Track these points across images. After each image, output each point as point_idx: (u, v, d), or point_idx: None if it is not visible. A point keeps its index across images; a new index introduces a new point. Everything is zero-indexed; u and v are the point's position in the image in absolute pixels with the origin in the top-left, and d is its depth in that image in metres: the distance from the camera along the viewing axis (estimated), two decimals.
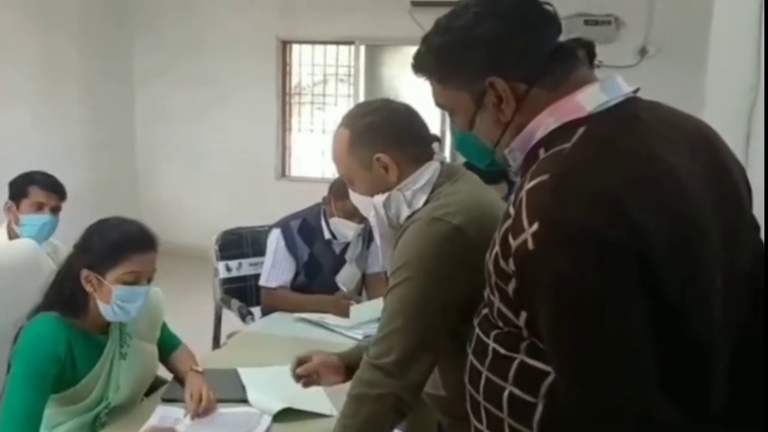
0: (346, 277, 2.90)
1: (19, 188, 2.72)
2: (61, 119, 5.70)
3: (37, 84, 5.46)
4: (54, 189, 2.72)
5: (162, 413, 1.85)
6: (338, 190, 2.81)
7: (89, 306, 1.82)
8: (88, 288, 1.79)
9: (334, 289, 2.88)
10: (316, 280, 2.88)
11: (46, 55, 5.52)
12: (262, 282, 2.91)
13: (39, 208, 2.69)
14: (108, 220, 1.88)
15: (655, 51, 5.14)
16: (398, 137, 1.51)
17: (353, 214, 2.81)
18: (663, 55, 5.11)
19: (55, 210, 2.72)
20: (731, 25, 2.32)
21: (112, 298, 1.77)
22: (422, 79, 1.21)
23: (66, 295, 1.80)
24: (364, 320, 2.51)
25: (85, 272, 1.78)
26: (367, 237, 2.93)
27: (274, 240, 2.88)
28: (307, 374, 1.73)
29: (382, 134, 1.51)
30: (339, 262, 2.93)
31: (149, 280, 1.85)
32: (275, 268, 2.86)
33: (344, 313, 2.61)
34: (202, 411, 1.82)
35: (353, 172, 1.55)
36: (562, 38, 1.11)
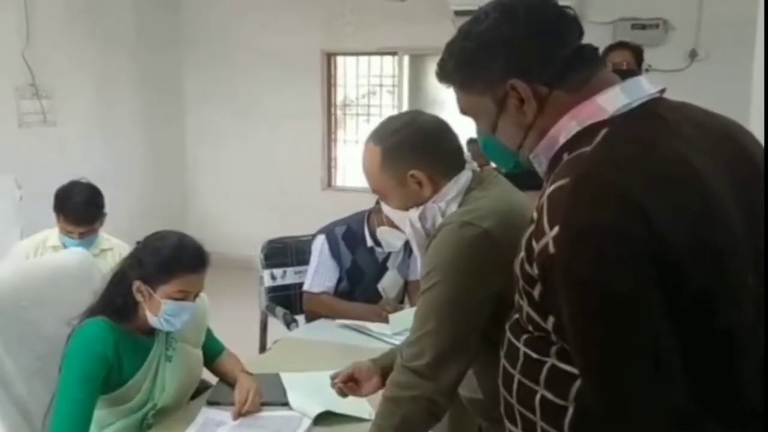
0: (389, 284, 2.92)
1: (56, 204, 2.79)
2: (115, 138, 5.90)
3: (92, 105, 5.66)
4: (77, 222, 2.75)
5: (206, 415, 1.90)
6: None
7: (138, 313, 1.89)
8: (139, 298, 1.87)
9: (376, 296, 2.90)
10: (358, 287, 2.91)
11: (100, 77, 5.73)
12: (306, 287, 2.94)
13: (67, 233, 2.77)
14: (165, 236, 1.93)
15: (705, 54, 5.04)
16: (430, 152, 1.51)
17: None
18: (713, 58, 5.02)
19: (84, 235, 2.76)
20: None
21: (160, 312, 1.85)
22: (446, 86, 1.22)
23: (117, 301, 1.88)
24: (403, 327, 2.50)
25: (137, 284, 1.86)
26: (410, 245, 2.93)
27: (319, 246, 2.91)
28: (344, 381, 1.75)
29: (414, 151, 1.50)
30: (381, 269, 2.95)
31: (196, 296, 1.92)
32: (319, 273, 2.89)
33: (384, 322, 2.63)
34: (246, 411, 1.87)
35: (387, 188, 1.55)
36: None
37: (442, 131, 1.56)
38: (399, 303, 2.99)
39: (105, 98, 5.79)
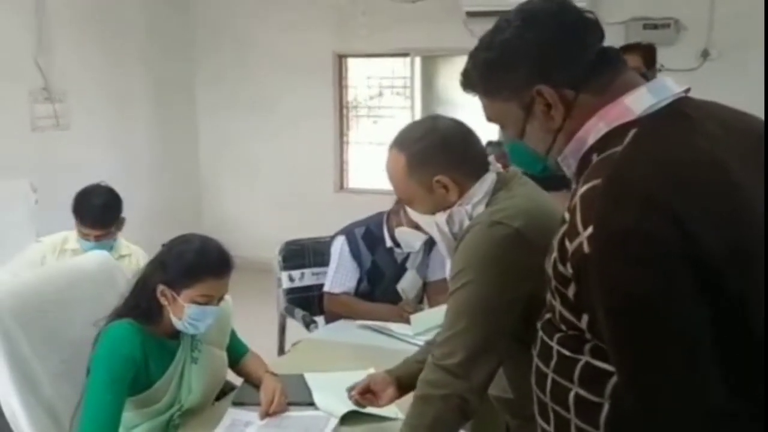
0: (408, 284, 2.93)
1: (74, 206, 2.80)
2: (128, 141, 5.93)
3: (104, 108, 5.69)
4: (93, 225, 2.76)
5: (233, 416, 1.92)
6: None
7: (163, 315, 1.91)
8: (163, 301, 1.88)
9: (396, 297, 2.91)
10: (378, 287, 2.92)
11: (112, 81, 5.75)
12: (326, 288, 2.95)
13: (84, 236, 2.78)
14: (189, 240, 1.94)
15: (717, 54, 5.04)
16: (454, 157, 1.52)
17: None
18: (726, 57, 5.02)
19: (100, 238, 2.77)
20: None
21: (184, 316, 1.86)
22: (471, 95, 1.24)
23: (142, 305, 1.89)
24: (425, 328, 2.53)
25: (161, 287, 1.87)
26: (428, 245, 2.95)
27: (339, 246, 2.92)
28: (361, 393, 1.78)
29: (438, 156, 1.51)
30: (400, 270, 2.96)
31: (220, 299, 1.93)
32: (339, 273, 2.90)
33: (405, 323, 2.63)
34: (272, 411, 1.88)
35: (413, 194, 1.57)
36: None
37: (464, 134, 1.58)
38: (418, 303, 3.00)
39: (117, 102, 5.82)
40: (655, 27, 5.07)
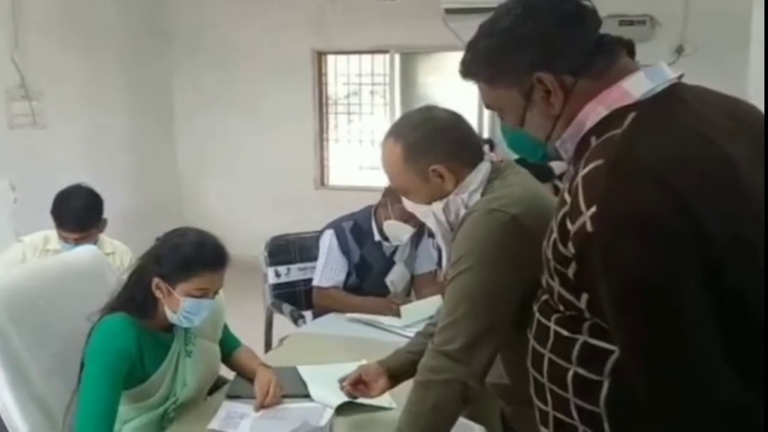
0: (396, 278, 2.95)
1: (53, 208, 2.73)
2: (105, 140, 5.89)
3: (82, 106, 5.65)
4: (72, 230, 2.68)
5: (228, 409, 1.92)
6: (395, 193, 2.86)
7: (158, 309, 1.90)
8: (158, 294, 1.88)
9: (385, 290, 2.93)
10: (367, 281, 2.94)
11: (89, 79, 5.71)
12: (315, 282, 2.96)
13: (64, 239, 2.71)
14: (185, 234, 1.94)
15: (692, 50, 5.13)
16: (451, 146, 1.54)
17: (411, 217, 2.85)
18: (700, 53, 5.11)
19: (79, 240, 2.67)
20: None
21: (179, 309, 1.86)
22: (471, 82, 1.25)
23: (137, 298, 1.89)
24: (415, 320, 2.55)
25: (156, 281, 1.87)
26: (415, 238, 2.98)
27: (327, 240, 2.94)
28: (353, 384, 1.80)
29: (435, 146, 1.53)
30: (389, 264, 2.98)
31: (215, 293, 1.93)
32: (328, 267, 2.91)
33: (395, 316, 2.66)
34: (268, 403, 1.89)
35: (409, 184, 1.58)
36: None
37: (459, 124, 1.60)
38: (406, 296, 3.02)
39: (95, 100, 5.77)
40: (631, 23, 5.14)
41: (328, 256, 2.92)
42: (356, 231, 2.95)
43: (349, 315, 2.72)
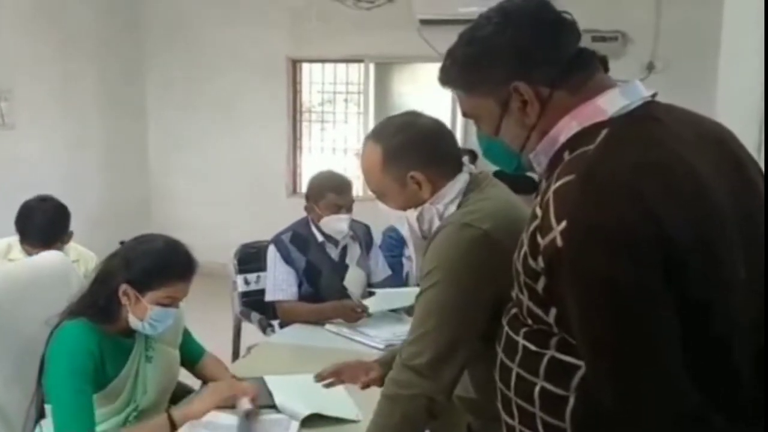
0: (351, 281, 2.95)
1: (17, 220, 2.67)
2: (75, 142, 5.80)
3: (51, 107, 5.56)
4: (35, 245, 2.60)
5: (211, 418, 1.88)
6: (313, 193, 2.91)
7: (120, 315, 1.86)
8: (124, 301, 1.84)
9: (340, 292, 2.91)
10: (320, 286, 2.92)
11: (60, 79, 5.63)
12: (267, 297, 2.93)
13: (27, 252, 2.64)
14: (153, 240, 1.92)
15: (662, 66, 5.21)
16: (430, 154, 1.53)
17: (339, 206, 2.86)
18: (670, 69, 5.18)
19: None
20: (741, 39, 2.36)
21: (146, 317, 1.83)
22: (447, 91, 1.26)
23: (100, 302, 1.85)
24: (383, 308, 2.65)
25: (123, 287, 1.83)
26: (364, 242, 3.03)
27: (272, 255, 2.92)
28: (331, 376, 1.80)
29: (415, 152, 1.52)
30: (339, 266, 2.97)
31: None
32: (278, 281, 2.89)
33: (353, 321, 2.68)
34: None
35: (386, 188, 1.57)
36: None
37: (442, 133, 1.59)
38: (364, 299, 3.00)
39: (64, 101, 5.69)
40: (604, 39, 5.20)
41: (275, 271, 2.90)
42: (296, 239, 2.94)
43: (314, 325, 2.72)
